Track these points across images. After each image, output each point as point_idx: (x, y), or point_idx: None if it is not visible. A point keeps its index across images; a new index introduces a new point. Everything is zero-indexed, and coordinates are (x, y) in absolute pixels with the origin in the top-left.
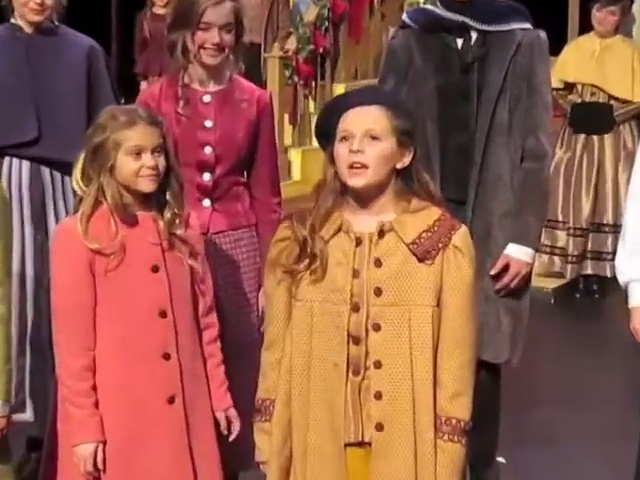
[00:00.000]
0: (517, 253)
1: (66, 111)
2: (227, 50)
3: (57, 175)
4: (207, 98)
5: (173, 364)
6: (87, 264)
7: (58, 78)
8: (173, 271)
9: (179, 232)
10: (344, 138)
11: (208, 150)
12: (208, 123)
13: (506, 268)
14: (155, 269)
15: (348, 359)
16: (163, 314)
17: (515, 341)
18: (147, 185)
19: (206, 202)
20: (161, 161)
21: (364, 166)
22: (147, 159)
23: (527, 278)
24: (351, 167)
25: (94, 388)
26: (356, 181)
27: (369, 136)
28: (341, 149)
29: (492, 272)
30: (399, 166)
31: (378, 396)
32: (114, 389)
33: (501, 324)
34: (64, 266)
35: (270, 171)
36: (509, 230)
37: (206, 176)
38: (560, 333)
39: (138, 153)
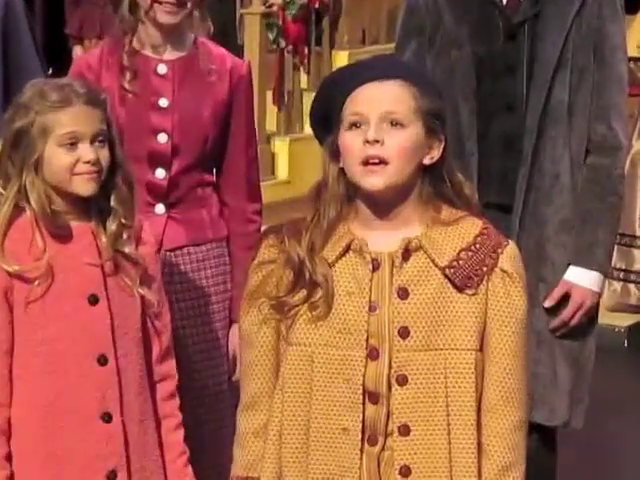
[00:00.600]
0: (580, 278)
1: None
2: (189, 4)
3: None
4: (162, 69)
5: (115, 427)
6: (2, 293)
7: None
8: (117, 303)
9: (127, 250)
10: (354, 125)
11: (163, 138)
12: (163, 102)
13: (565, 298)
14: (93, 300)
15: (363, 423)
16: (103, 360)
17: (576, 397)
18: (85, 186)
19: (159, 208)
20: (104, 154)
21: (383, 161)
22: (85, 151)
23: (593, 312)
24: (366, 163)
25: (8, 458)
26: (374, 181)
27: (389, 121)
28: (350, 139)
29: (547, 304)
30: (427, 161)
31: (405, 472)
32: (36, 460)
33: (557, 374)
34: None
35: (246, 168)
36: (569, 247)
37: (160, 173)
38: (636, 384)
39: (73, 143)
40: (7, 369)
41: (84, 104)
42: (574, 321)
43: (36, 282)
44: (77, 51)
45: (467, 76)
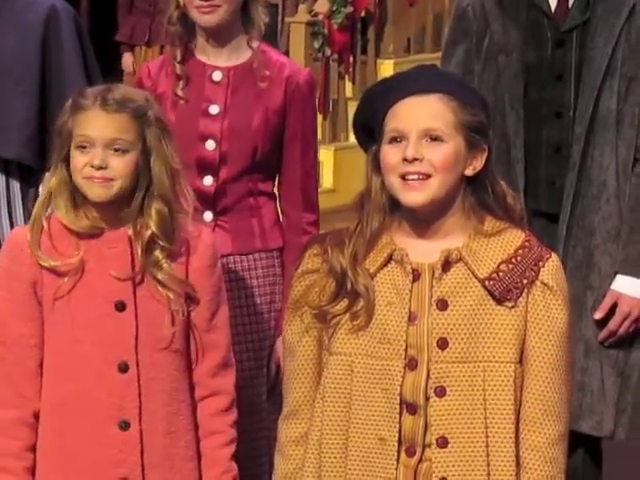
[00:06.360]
0: (627, 288)
1: (6, 94)
2: (225, 6)
3: None
4: (217, 75)
5: (131, 436)
6: (31, 286)
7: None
8: (146, 312)
9: (160, 276)
10: (395, 139)
11: (210, 145)
12: (214, 109)
13: (612, 308)
14: (120, 307)
15: (400, 433)
16: (123, 367)
17: (622, 408)
18: (93, 191)
19: (207, 215)
20: (116, 162)
21: (424, 176)
22: (94, 155)
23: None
24: (405, 177)
25: (31, 449)
26: (414, 197)
27: (429, 137)
28: (391, 154)
29: (597, 316)
30: (469, 172)
31: None
32: (50, 456)
33: (604, 384)
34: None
35: (302, 178)
36: (616, 256)
37: (207, 180)
38: None
39: (84, 146)
40: (35, 363)
41: (102, 109)
42: (621, 331)
43: (65, 278)
44: (127, 58)
45: (514, 83)
